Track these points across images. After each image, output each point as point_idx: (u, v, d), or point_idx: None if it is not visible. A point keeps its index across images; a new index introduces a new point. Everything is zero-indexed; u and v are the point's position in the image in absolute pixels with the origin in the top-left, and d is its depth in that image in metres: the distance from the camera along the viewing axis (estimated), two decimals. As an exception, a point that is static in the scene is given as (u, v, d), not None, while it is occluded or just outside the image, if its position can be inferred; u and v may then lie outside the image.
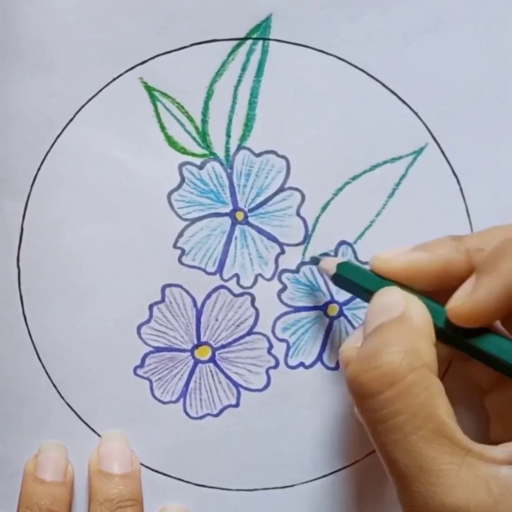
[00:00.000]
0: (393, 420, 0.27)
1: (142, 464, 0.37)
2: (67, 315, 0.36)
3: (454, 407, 0.28)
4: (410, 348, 0.28)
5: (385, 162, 0.37)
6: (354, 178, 0.37)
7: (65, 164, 0.36)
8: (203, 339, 0.37)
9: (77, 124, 0.36)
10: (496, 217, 0.37)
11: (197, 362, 0.37)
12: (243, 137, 0.36)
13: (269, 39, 0.36)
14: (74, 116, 0.36)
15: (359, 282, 0.33)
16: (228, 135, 0.36)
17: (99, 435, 0.37)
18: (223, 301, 0.37)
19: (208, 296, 0.37)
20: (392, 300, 0.30)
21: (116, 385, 0.37)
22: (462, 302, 0.29)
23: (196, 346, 0.37)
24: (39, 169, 0.36)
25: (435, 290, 0.32)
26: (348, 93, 0.36)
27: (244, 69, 0.36)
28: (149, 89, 0.36)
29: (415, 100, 0.36)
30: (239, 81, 0.36)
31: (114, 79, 0.36)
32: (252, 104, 0.36)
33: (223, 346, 0.37)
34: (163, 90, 0.36)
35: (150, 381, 0.37)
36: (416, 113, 0.37)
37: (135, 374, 0.37)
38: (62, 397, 0.36)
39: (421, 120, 0.37)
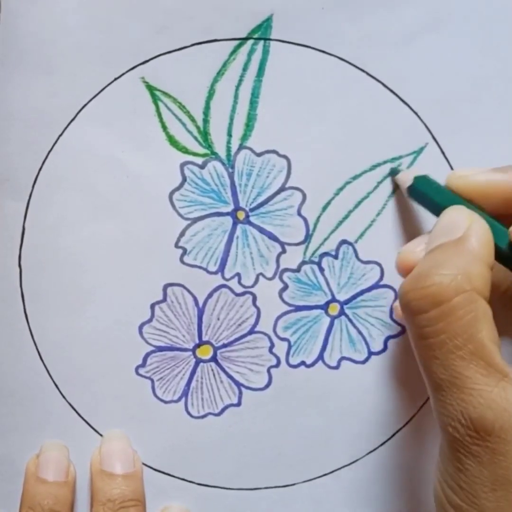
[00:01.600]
0: (436, 338, 0.28)
1: (143, 464, 0.37)
2: (69, 315, 0.36)
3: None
4: (461, 272, 0.28)
5: (385, 162, 0.37)
6: (355, 177, 0.37)
7: (67, 164, 0.36)
8: (204, 338, 0.37)
9: (79, 124, 0.36)
10: (496, 216, 0.37)
11: (198, 361, 0.37)
12: (244, 137, 0.36)
13: (270, 39, 0.36)
14: (75, 116, 0.36)
15: (433, 196, 0.33)
16: (230, 135, 0.36)
17: (100, 435, 0.37)
18: (224, 300, 0.37)
19: (210, 295, 0.37)
20: (456, 220, 0.31)
21: (118, 384, 0.37)
22: None
23: (197, 345, 0.37)
24: (40, 169, 0.36)
25: (507, 215, 0.32)
26: (349, 93, 0.36)
27: (245, 69, 0.36)
28: (151, 89, 0.36)
29: (415, 100, 0.37)
30: (240, 81, 0.36)
31: (115, 79, 0.36)
32: (253, 104, 0.36)
33: (224, 345, 0.37)
34: (164, 89, 0.36)
35: (152, 380, 0.37)
36: (416, 113, 0.37)
37: (137, 373, 0.37)
38: (63, 397, 0.36)
39: (421, 120, 0.37)
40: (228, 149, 0.36)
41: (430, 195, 0.33)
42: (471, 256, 0.29)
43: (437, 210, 0.33)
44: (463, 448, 0.28)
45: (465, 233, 0.30)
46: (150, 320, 0.37)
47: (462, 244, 0.30)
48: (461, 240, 0.30)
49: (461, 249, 0.29)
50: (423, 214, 0.37)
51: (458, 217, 0.31)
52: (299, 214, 0.37)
